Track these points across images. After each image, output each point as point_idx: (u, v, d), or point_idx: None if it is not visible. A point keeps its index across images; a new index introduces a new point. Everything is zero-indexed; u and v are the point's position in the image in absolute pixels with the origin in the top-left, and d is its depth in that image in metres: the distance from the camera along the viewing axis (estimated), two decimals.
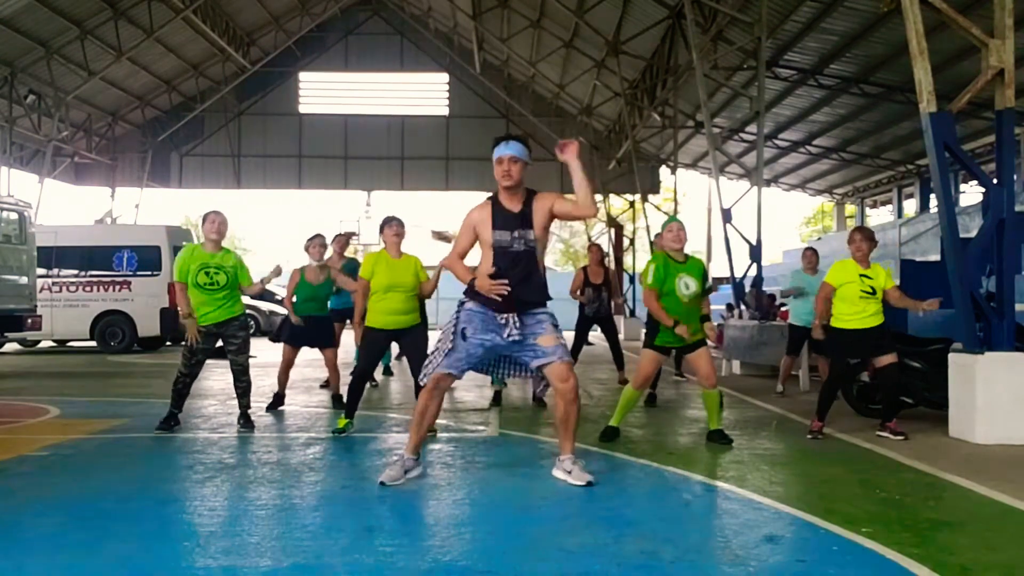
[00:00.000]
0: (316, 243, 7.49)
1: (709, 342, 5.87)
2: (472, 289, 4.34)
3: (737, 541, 3.42)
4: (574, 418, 4.43)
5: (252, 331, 23.76)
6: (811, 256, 9.03)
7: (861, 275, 5.99)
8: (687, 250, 5.87)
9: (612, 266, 20.83)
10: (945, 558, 3.20)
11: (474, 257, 4.54)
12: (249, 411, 6.33)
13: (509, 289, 4.21)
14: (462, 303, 4.39)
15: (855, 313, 5.99)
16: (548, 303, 4.43)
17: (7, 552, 3.24)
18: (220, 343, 6.26)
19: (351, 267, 8.59)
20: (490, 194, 4.46)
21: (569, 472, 4.39)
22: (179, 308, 6.16)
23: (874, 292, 5.98)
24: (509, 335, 4.26)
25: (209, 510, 3.92)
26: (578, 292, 9.30)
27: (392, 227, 6.04)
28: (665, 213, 25.88)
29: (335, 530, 3.57)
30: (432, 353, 4.40)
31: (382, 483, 4.31)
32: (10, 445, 5.55)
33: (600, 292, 9.26)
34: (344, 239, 9.01)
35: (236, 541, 3.38)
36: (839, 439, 5.99)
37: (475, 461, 5.14)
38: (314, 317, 7.38)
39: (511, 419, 6.90)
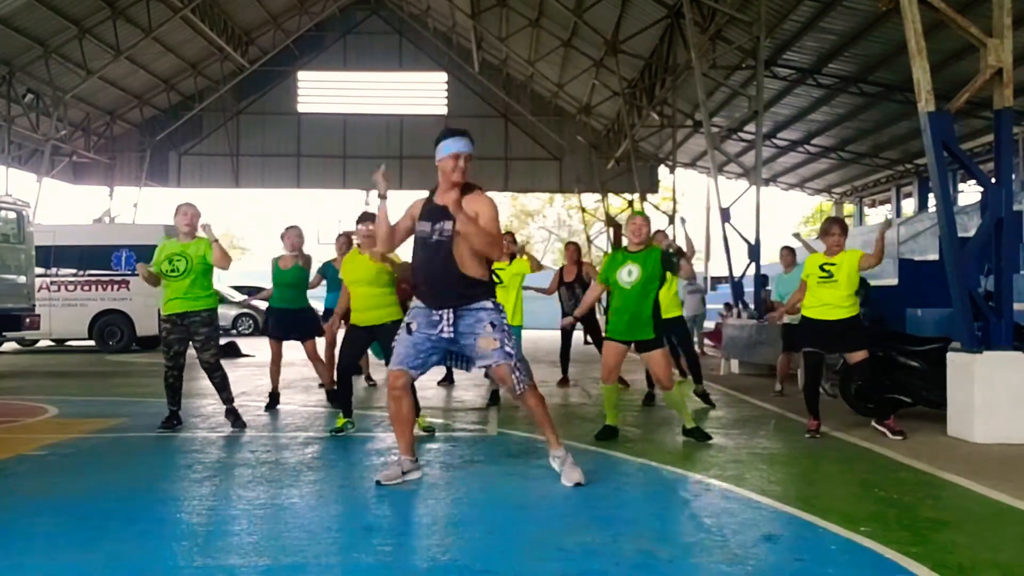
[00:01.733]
0: (291, 233, 7.47)
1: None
2: (416, 286, 4.36)
3: (735, 540, 3.42)
4: (538, 414, 4.35)
5: (250, 330, 23.50)
6: (787, 255, 9.04)
7: (822, 264, 6.02)
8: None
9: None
10: (944, 557, 3.19)
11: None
12: (234, 405, 6.31)
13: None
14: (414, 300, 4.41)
15: (814, 302, 6.03)
16: (482, 298, 4.22)
17: (6, 551, 3.24)
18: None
19: (330, 269, 8.59)
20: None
21: (560, 471, 4.36)
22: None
23: (831, 276, 5.93)
24: (441, 332, 4.19)
25: (207, 509, 3.91)
26: (566, 321, 9.38)
27: (362, 225, 5.98)
28: (664, 212, 25.90)
29: (333, 529, 3.57)
30: (394, 344, 4.41)
31: (378, 482, 4.31)
32: (8, 444, 5.55)
33: (574, 290, 9.34)
34: (345, 239, 8.85)
35: (234, 540, 3.38)
36: (837, 438, 5.99)
37: (474, 460, 5.14)
38: (291, 310, 7.36)
39: (510, 418, 6.90)
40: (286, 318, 7.36)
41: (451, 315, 4.18)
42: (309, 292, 7.70)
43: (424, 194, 4.58)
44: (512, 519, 3.80)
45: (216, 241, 6.05)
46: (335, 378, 6.06)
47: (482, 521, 3.78)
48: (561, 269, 9.49)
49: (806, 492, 4.43)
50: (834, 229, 6.08)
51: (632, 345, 5.81)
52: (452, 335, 4.19)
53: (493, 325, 4.20)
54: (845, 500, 4.14)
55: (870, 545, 3.34)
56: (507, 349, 4.21)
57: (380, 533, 3.54)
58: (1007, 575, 3.06)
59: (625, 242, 5.91)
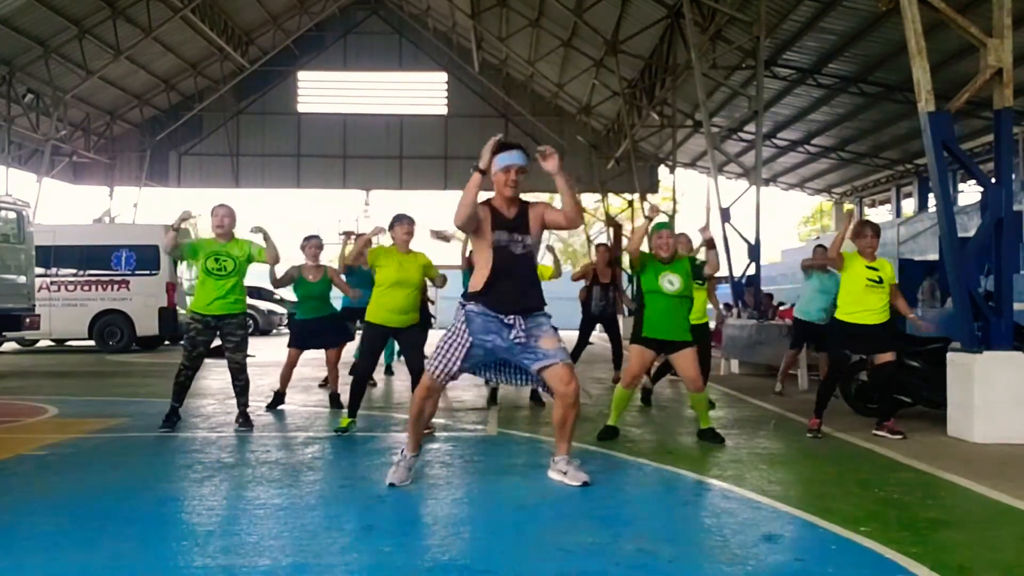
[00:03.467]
0: (312, 244, 7.48)
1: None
2: (472, 291, 4.28)
3: (735, 540, 3.42)
4: (572, 422, 4.38)
5: (251, 331, 23.73)
6: (822, 254, 8.94)
7: (867, 266, 6.00)
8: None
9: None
10: (943, 557, 3.19)
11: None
12: (248, 409, 6.33)
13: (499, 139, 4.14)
14: (462, 304, 4.30)
15: (859, 307, 5.96)
16: (542, 306, 4.39)
17: (6, 551, 3.24)
18: (218, 342, 6.28)
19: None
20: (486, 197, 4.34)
21: (564, 473, 4.37)
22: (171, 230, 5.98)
23: (880, 282, 5.96)
24: (516, 337, 4.18)
25: (208, 509, 3.91)
26: (582, 289, 9.51)
27: (404, 225, 6.05)
28: (664, 212, 25.90)
29: (334, 529, 3.57)
30: (438, 350, 4.28)
31: (391, 484, 4.28)
32: (8, 444, 5.54)
33: (608, 292, 9.51)
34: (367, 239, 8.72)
35: (235, 540, 3.38)
36: (838, 438, 5.99)
37: (474, 460, 5.14)
38: (318, 319, 7.40)
39: (510, 418, 6.90)
40: (314, 327, 7.39)
41: (522, 320, 4.22)
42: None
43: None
44: (512, 519, 3.79)
45: (268, 238, 6.19)
46: (353, 379, 6.03)
47: (482, 521, 3.78)
48: (594, 268, 9.59)
49: (806, 492, 4.42)
50: (867, 231, 6.06)
51: (660, 351, 5.87)
52: (524, 339, 4.21)
53: (554, 328, 4.35)
54: (845, 500, 4.14)
55: (870, 545, 3.34)
56: (568, 350, 4.36)
57: (380, 533, 3.54)
58: (1007, 575, 3.06)
59: (643, 246, 5.92)
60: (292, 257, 7.90)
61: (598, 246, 10.32)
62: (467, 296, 4.31)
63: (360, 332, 6.48)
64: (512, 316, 4.20)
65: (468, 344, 4.22)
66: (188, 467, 4.86)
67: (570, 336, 9.77)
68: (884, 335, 6.01)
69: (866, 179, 28.03)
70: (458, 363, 4.25)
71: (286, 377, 7.42)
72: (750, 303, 12.57)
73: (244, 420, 6.23)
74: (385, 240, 6.39)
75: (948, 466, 4.92)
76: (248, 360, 6.36)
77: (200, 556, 3.17)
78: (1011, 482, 4.48)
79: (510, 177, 4.22)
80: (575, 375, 4.30)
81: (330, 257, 8.63)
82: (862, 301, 5.96)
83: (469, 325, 4.22)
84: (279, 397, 7.35)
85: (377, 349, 6.09)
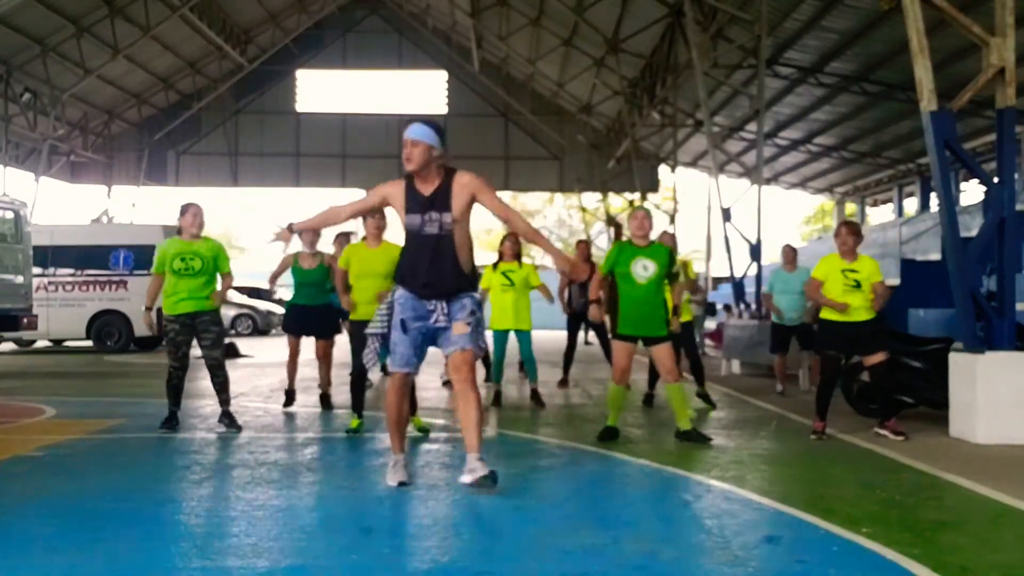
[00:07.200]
0: (310, 232, 7.42)
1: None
2: (401, 275, 4.31)
3: (737, 542, 3.40)
4: (473, 411, 4.22)
5: (249, 331, 23.42)
6: (788, 252, 8.95)
7: (844, 270, 5.93)
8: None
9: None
10: (945, 558, 3.18)
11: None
12: (230, 408, 6.24)
13: None
14: (394, 290, 4.34)
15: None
16: (470, 288, 4.29)
17: (3, 554, 3.22)
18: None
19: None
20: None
21: (473, 471, 4.16)
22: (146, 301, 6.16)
23: (859, 285, 5.89)
24: (436, 321, 4.19)
25: (206, 511, 3.90)
26: (566, 303, 9.37)
27: (373, 219, 6.09)
28: (664, 212, 25.88)
29: (333, 531, 3.56)
30: (392, 346, 4.28)
31: (401, 483, 4.25)
32: (5, 445, 5.52)
33: (586, 289, 9.39)
34: (344, 239, 8.88)
35: (233, 542, 3.36)
36: (839, 439, 5.97)
37: None
38: (312, 307, 7.34)
39: (510, 419, 6.87)
40: (306, 315, 7.36)
41: (444, 305, 4.20)
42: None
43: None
44: (512, 520, 3.78)
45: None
46: (351, 379, 6.03)
47: (482, 522, 3.76)
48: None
49: (807, 493, 4.40)
50: (840, 230, 6.07)
51: (639, 341, 5.79)
52: (446, 323, 4.19)
53: (472, 313, 4.25)
54: (847, 501, 4.12)
55: (872, 546, 3.33)
56: (479, 342, 4.25)
57: (380, 534, 3.52)
58: None
59: (625, 236, 5.87)
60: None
61: (578, 243, 10.25)
62: (395, 279, 4.38)
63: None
64: (433, 302, 4.20)
65: (408, 335, 4.22)
66: (186, 468, 4.84)
67: (559, 336, 9.76)
68: (872, 333, 5.95)
69: (868, 178, 28.01)
70: (409, 356, 4.26)
71: (292, 371, 7.35)
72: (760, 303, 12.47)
73: (230, 421, 6.15)
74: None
75: (950, 467, 4.90)
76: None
77: (198, 558, 3.16)
78: (1013, 483, 4.46)
79: (405, 151, 4.19)
80: (468, 363, 4.20)
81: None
82: (840, 300, 5.90)
83: (403, 313, 4.23)
84: (290, 395, 7.30)
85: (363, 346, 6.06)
